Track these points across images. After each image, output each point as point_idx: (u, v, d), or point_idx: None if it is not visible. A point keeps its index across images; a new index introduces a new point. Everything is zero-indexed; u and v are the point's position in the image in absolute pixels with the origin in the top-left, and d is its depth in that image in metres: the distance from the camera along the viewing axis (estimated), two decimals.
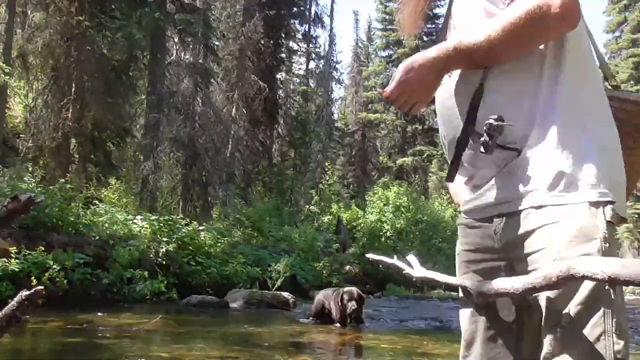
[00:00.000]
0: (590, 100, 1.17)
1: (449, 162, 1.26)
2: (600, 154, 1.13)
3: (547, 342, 1.09)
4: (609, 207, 1.10)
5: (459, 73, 1.23)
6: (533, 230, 1.12)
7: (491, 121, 1.11)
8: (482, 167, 1.23)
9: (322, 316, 6.54)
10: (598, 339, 1.04)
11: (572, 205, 1.09)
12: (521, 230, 1.14)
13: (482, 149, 1.13)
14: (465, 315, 1.31)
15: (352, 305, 6.05)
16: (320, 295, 6.79)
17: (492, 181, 1.20)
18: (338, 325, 6.22)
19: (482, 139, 1.13)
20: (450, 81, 1.24)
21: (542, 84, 1.15)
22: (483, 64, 1.17)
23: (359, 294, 6.26)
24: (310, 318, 6.73)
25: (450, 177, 1.26)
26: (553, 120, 1.14)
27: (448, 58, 1.17)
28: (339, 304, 6.16)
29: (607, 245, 1.06)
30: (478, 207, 1.25)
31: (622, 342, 1.05)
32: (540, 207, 1.12)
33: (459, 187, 1.36)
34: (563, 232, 1.08)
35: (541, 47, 1.16)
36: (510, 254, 1.19)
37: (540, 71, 1.16)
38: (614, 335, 1.05)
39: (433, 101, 1.33)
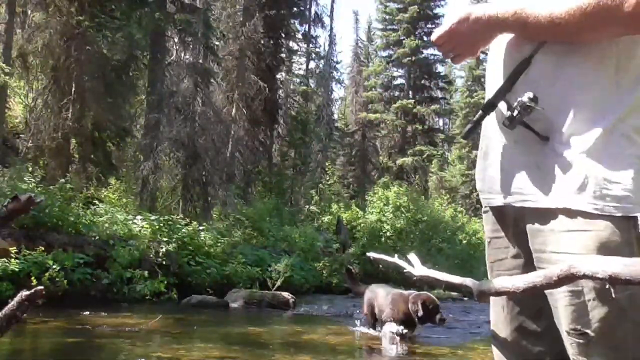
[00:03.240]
0: None
1: (473, 119, 1.22)
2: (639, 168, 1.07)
3: (571, 345, 1.08)
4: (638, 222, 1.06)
5: (515, 37, 1.19)
6: (554, 231, 1.09)
7: (524, 99, 1.08)
8: (508, 150, 1.18)
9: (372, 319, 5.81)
10: (626, 348, 1.03)
11: (600, 215, 1.05)
12: (541, 228, 1.11)
13: (506, 122, 1.11)
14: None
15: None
16: (369, 295, 5.92)
17: (515, 168, 1.16)
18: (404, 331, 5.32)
19: (508, 111, 1.11)
20: (506, 42, 1.21)
21: (600, 82, 1.09)
22: (537, 38, 1.13)
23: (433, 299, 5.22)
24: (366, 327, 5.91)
25: (466, 136, 1.26)
26: (600, 121, 1.08)
27: (505, 21, 1.14)
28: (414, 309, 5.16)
29: None
30: (497, 191, 1.21)
31: None
32: (566, 209, 1.08)
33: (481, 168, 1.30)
34: (586, 241, 1.05)
35: (613, 45, 1.09)
36: (524, 245, 1.18)
37: (604, 69, 1.09)
38: None
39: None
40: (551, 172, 1.10)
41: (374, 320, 5.80)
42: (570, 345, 1.08)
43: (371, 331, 5.79)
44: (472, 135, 1.24)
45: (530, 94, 1.09)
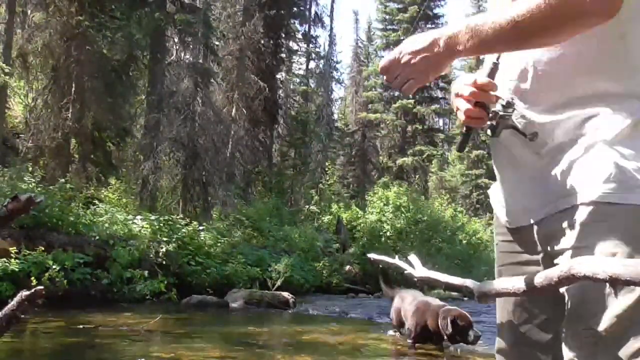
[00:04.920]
0: None
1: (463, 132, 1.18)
2: None
3: (579, 346, 1.04)
4: None
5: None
6: (577, 225, 1.04)
7: (498, 107, 1.06)
8: (520, 152, 1.14)
9: (402, 327, 5.59)
10: (635, 354, 0.98)
11: (624, 204, 1.00)
12: (565, 224, 1.06)
13: (489, 133, 1.09)
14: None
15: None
16: (398, 304, 5.68)
17: (530, 176, 1.12)
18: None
19: (488, 123, 1.07)
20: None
21: (616, 73, 1.05)
22: (500, 50, 1.07)
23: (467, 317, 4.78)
24: (396, 332, 5.72)
25: (460, 148, 1.24)
26: (625, 114, 1.04)
27: (456, 38, 1.04)
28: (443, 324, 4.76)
29: None
30: (516, 211, 1.17)
31: None
32: (591, 202, 1.03)
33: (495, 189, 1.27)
34: (610, 235, 1.01)
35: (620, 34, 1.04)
36: (548, 246, 1.12)
37: (617, 57, 1.05)
38: None
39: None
40: (576, 169, 1.06)
41: (400, 327, 5.60)
42: (578, 346, 1.04)
43: (397, 334, 5.69)
44: (465, 146, 1.23)
45: (503, 101, 1.06)
